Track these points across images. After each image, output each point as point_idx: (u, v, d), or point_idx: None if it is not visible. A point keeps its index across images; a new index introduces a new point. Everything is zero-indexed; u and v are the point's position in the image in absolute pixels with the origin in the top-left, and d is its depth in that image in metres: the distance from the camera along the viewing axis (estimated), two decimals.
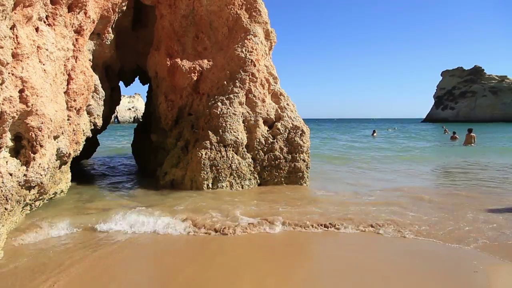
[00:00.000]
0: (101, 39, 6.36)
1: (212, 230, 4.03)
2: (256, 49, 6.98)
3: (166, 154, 7.09)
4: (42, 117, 3.75)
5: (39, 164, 3.82)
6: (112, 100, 8.69)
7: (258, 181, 6.58)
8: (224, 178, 6.13)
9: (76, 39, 5.04)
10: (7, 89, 3.24)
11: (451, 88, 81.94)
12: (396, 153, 14.25)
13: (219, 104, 6.50)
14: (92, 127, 6.28)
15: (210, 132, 6.25)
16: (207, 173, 6.02)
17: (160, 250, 3.69)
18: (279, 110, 7.04)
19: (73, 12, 4.75)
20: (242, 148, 6.43)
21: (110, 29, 6.46)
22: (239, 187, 6.28)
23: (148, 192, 6.23)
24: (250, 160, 6.53)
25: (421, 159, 11.66)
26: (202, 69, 6.97)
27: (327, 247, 3.78)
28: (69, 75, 4.81)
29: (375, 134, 27.40)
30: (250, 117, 6.67)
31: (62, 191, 5.26)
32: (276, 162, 6.62)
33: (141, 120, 10.91)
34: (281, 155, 6.65)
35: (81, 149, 5.38)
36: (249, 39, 6.97)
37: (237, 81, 6.74)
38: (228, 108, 6.46)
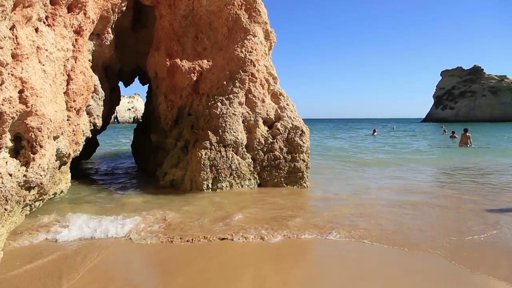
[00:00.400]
0: (101, 40, 6.36)
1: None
2: (255, 49, 6.98)
3: (166, 154, 7.09)
4: (41, 118, 3.76)
5: (39, 164, 3.82)
6: (111, 100, 8.69)
7: (258, 181, 6.58)
8: (224, 178, 6.13)
9: (76, 40, 5.04)
10: (6, 89, 3.24)
11: (451, 88, 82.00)
12: (396, 153, 14.27)
13: (219, 104, 6.50)
14: (92, 128, 6.28)
15: (210, 132, 6.25)
16: (207, 173, 6.02)
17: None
18: (278, 110, 7.04)
19: (72, 13, 4.75)
20: (242, 148, 6.44)
21: (109, 30, 6.46)
22: (239, 187, 6.28)
23: (147, 192, 6.23)
24: (250, 160, 6.54)
25: (421, 160, 11.63)
26: (202, 69, 6.97)
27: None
28: (68, 75, 4.81)
29: (375, 134, 27.54)
30: (250, 117, 6.67)
31: (62, 191, 5.26)
32: (276, 162, 6.62)
33: (140, 120, 10.91)
34: (281, 155, 6.65)
35: (80, 150, 5.38)
36: (249, 39, 6.98)
37: (236, 81, 6.74)
38: (228, 108, 6.47)
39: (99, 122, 6.42)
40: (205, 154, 6.05)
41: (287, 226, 4.25)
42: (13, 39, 3.39)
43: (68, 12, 4.68)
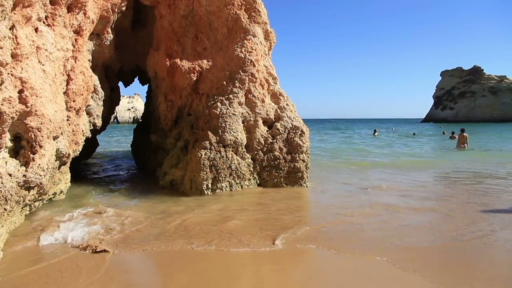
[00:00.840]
0: (101, 40, 6.36)
1: None
2: (255, 49, 6.98)
3: (166, 154, 7.09)
4: (41, 118, 3.75)
5: (39, 164, 3.82)
6: (111, 100, 8.69)
7: (258, 181, 6.58)
8: (223, 178, 6.13)
9: (76, 40, 5.04)
10: (6, 89, 3.24)
11: (451, 88, 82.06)
12: (396, 153, 14.28)
13: (219, 104, 6.50)
14: (92, 128, 6.28)
15: (209, 132, 6.25)
16: (206, 173, 6.02)
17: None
18: (278, 110, 7.04)
19: (72, 13, 4.75)
20: (242, 148, 6.43)
21: (109, 30, 6.46)
22: (238, 187, 6.28)
23: (147, 193, 6.23)
24: (250, 160, 6.53)
25: (420, 161, 11.59)
26: (202, 69, 6.97)
27: None
28: (68, 75, 4.81)
29: (376, 134, 27.68)
30: (250, 117, 6.67)
31: (61, 191, 5.26)
32: (276, 162, 6.62)
33: (140, 120, 10.91)
34: (280, 155, 6.65)
35: (80, 150, 5.37)
36: (249, 39, 6.98)
37: (236, 81, 6.74)
38: (228, 109, 6.46)
39: (98, 122, 6.42)
40: (204, 154, 6.05)
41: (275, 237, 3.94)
42: (13, 39, 3.39)
43: (68, 12, 4.68)
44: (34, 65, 3.74)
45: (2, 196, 3.36)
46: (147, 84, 10.40)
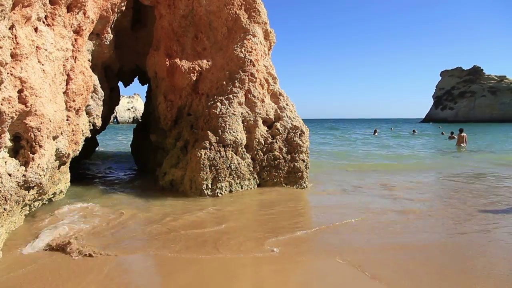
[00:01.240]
0: (100, 39, 6.35)
1: None
2: (255, 49, 6.98)
3: (166, 154, 7.08)
4: (41, 117, 3.75)
5: (38, 164, 3.82)
6: (111, 100, 8.68)
7: (258, 181, 6.58)
8: (223, 178, 6.12)
9: (75, 39, 5.03)
10: (6, 89, 3.23)
11: (450, 88, 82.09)
12: (396, 153, 14.28)
13: (218, 104, 6.49)
14: (91, 128, 6.27)
15: (209, 132, 6.24)
16: (206, 173, 6.02)
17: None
18: (278, 110, 7.04)
19: (72, 12, 4.75)
20: (242, 148, 6.43)
21: (109, 29, 6.45)
22: (238, 187, 6.27)
23: (146, 194, 6.23)
24: (250, 160, 6.53)
25: (419, 164, 11.50)
26: (202, 69, 6.97)
27: None
28: (68, 75, 4.81)
29: (376, 134, 27.74)
30: (250, 117, 6.67)
31: (61, 191, 5.25)
32: (276, 162, 6.61)
33: (140, 120, 10.90)
34: (280, 155, 6.65)
35: (80, 150, 5.37)
36: (249, 39, 6.97)
37: (236, 81, 6.74)
38: (228, 108, 6.46)
39: (98, 122, 6.41)
40: (204, 154, 6.05)
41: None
42: (12, 38, 3.38)
43: (68, 12, 4.68)
44: (34, 65, 3.74)
45: (2, 196, 3.36)
46: (147, 84, 10.39)
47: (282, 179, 6.63)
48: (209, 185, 6.03)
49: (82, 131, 5.52)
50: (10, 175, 3.49)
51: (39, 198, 4.37)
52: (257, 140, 6.62)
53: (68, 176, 5.42)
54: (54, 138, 4.30)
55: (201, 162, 5.99)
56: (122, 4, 6.63)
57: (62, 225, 4.36)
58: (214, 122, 6.37)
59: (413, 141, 21.29)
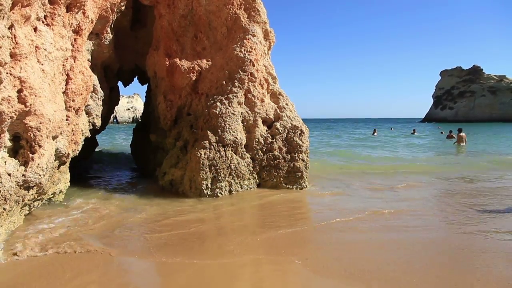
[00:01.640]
0: (100, 39, 6.35)
1: None
2: (255, 49, 6.97)
3: (165, 154, 7.08)
4: (40, 117, 3.75)
5: (38, 164, 3.82)
6: (111, 100, 8.67)
7: (257, 181, 6.58)
8: (223, 178, 6.12)
9: (75, 39, 5.03)
10: (5, 89, 3.23)
11: (450, 88, 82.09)
12: (395, 153, 14.28)
13: (218, 104, 6.49)
14: (91, 127, 6.27)
15: (209, 132, 6.24)
16: (206, 173, 6.01)
17: None
18: (278, 110, 7.04)
19: (71, 12, 4.74)
20: (241, 148, 6.43)
21: (108, 29, 6.45)
22: (238, 187, 6.27)
23: (144, 193, 6.23)
24: (249, 160, 6.53)
25: (419, 163, 11.47)
26: (201, 69, 6.96)
27: None
28: (67, 75, 4.80)
29: (375, 134, 27.64)
30: (249, 117, 6.66)
31: (61, 191, 5.25)
32: (275, 162, 6.61)
33: (140, 120, 10.90)
34: (280, 155, 6.64)
35: (79, 149, 5.37)
36: (248, 39, 6.97)
37: (236, 81, 6.73)
38: (227, 108, 6.46)
39: (98, 122, 6.41)
40: (204, 154, 6.05)
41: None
42: (12, 38, 3.38)
43: (67, 12, 4.67)
44: (33, 64, 3.74)
45: (1, 195, 3.36)
46: (147, 84, 10.38)
47: (281, 179, 6.63)
48: (209, 185, 6.03)
49: (82, 131, 5.52)
50: (9, 175, 3.49)
51: (39, 198, 4.37)
52: (257, 139, 6.61)
53: (68, 176, 5.42)
54: (54, 138, 4.29)
55: (201, 162, 5.99)
56: (122, 3, 6.62)
57: (62, 224, 4.36)
58: (214, 122, 6.37)
59: (412, 141, 21.29)
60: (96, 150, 11.30)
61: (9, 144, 3.58)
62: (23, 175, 3.65)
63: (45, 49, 4.02)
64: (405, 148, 16.92)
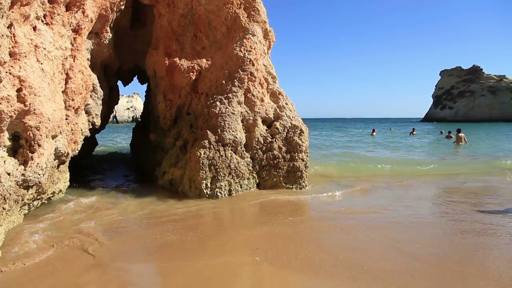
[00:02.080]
0: (99, 38, 6.34)
1: None
2: (254, 48, 6.97)
3: (165, 154, 7.08)
4: (40, 117, 3.74)
5: (37, 163, 3.81)
6: (110, 99, 8.67)
7: (257, 181, 6.57)
8: (222, 178, 6.12)
9: (74, 38, 5.02)
10: (4, 88, 3.23)
11: (450, 88, 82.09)
12: (395, 153, 14.28)
13: (218, 103, 6.49)
14: (91, 127, 6.26)
15: (208, 132, 6.24)
16: (205, 172, 6.01)
17: None
18: (277, 110, 7.03)
19: (71, 11, 4.74)
20: (241, 148, 6.42)
21: (108, 28, 6.44)
22: (237, 186, 6.27)
23: (143, 193, 6.22)
24: (249, 159, 6.53)
25: (418, 165, 11.33)
26: (201, 68, 6.96)
27: None
28: (67, 74, 4.80)
29: (374, 134, 27.48)
30: (249, 116, 6.66)
31: (60, 190, 5.25)
32: (275, 161, 6.61)
33: (139, 119, 10.90)
34: (279, 155, 6.64)
35: (79, 149, 5.36)
36: (248, 38, 6.96)
37: (235, 80, 6.73)
38: (227, 108, 6.46)
39: (97, 121, 6.40)
40: (204, 153, 6.04)
41: None
42: (11, 37, 3.38)
43: (67, 11, 4.66)
44: (33, 63, 3.73)
45: (1, 195, 3.35)
46: (146, 83, 10.38)
47: (281, 179, 6.63)
48: (208, 184, 6.03)
49: (81, 130, 5.51)
50: (9, 174, 3.48)
51: (38, 197, 4.37)
52: (257, 139, 6.61)
53: (67, 175, 5.41)
54: (53, 137, 4.29)
55: (201, 162, 5.98)
56: (121, 3, 6.61)
57: (61, 224, 4.36)
58: (214, 121, 6.36)
59: (412, 141, 21.28)
60: (96, 149, 11.29)
61: (8, 143, 3.58)
62: (23, 175, 3.64)
63: (44, 48, 4.02)
64: (405, 148, 16.92)
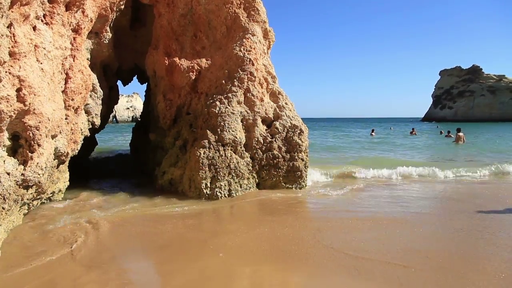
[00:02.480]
0: (99, 38, 6.34)
1: None
2: (254, 48, 6.97)
3: (165, 153, 7.07)
4: (39, 116, 3.74)
5: (37, 163, 3.81)
6: (110, 99, 8.66)
7: (257, 180, 6.57)
8: (222, 177, 6.12)
9: (74, 38, 5.02)
10: (4, 88, 3.23)
11: (449, 88, 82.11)
12: (395, 153, 14.29)
13: (218, 103, 6.49)
14: (90, 126, 6.26)
15: (208, 131, 6.24)
16: (205, 172, 6.01)
17: None
18: (277, 109, 7.03)
19: (70, 11, 4.73)
20: (241, 147, 6.42)
21: (108, 28, 6.44)
22: (237, 186, 6.26)
23: (143, 193, 6.22)
24: (249, 159, 6.53)
25: (417, 165, 11.31)
26: (201, 68, 6.96)
27: None
28: (67, 74, 4.80)
29: (373, 134, 27.40)
30: (249, 116, 6.66)
31: (60, 190, 5.25)
32: (275, 161, 6.61)
33: (139, 119, 10.90)
34: (279, 154, 6.64)
35: (79, 149, 5.36)
36: (248, 38, 6.96)
37: (235, 80, 6.73)
38: (227, 107, 6.45)
39: (97, 121, 6.40)
40: (203, 153, 6.04)
41: None
42: (11, 37, 3.37)
43: (66, 11, 4.66)
44: (32, 63, 3.73)
45: (0, 194, 3.35)
46: (146, 83, 10.37)
47: (281, 178, 6.63)
48: (208, 184, 6.03)
49: (81, 130, 5.51)
50: (8, 174, 3.48)
51: (38, 197, 4.37)
52: (256, 139, 6.61)
53: (67, 175, 5.41)
54: (53, 137, 4.29)
55: (200, 161, 5.98)
56: (121, 2, 6.61)
57: (61, 224, 4.35)
58: (213, 121, 6.36)
59: (412, 141, 21.29)
60: (96, 149, 11.28)
61: (8, 143, 3.58)
62: (22, 174, 3.64)
63: (44, 48, 4.02)
64: (404, 148, 16.91)
